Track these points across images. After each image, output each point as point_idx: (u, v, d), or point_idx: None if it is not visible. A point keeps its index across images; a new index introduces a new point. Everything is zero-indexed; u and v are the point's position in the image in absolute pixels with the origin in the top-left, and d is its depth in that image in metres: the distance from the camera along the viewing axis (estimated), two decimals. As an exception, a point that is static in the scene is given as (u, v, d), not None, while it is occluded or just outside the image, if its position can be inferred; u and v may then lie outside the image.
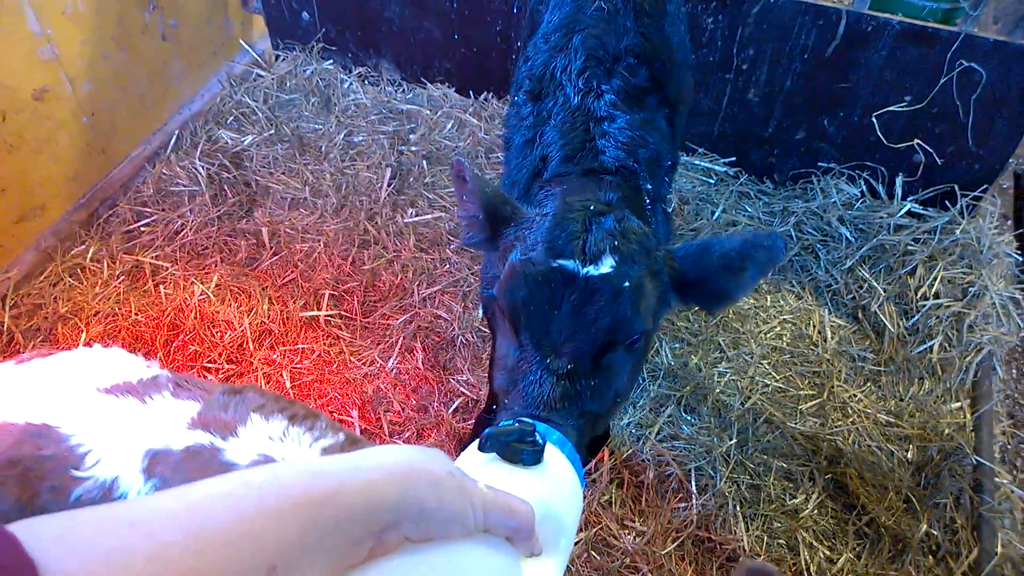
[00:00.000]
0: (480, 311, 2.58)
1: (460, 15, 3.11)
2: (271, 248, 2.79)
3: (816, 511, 2.09)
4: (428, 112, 3.27)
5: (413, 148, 3.13)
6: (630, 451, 2.19)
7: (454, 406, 2.32)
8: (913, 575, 1.97)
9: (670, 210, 1.80)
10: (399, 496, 0.57)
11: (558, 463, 0.84)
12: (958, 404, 2.34)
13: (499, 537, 0.65)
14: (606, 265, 1.13)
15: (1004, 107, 2.55)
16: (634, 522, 2.07)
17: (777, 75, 2.76)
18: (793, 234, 2.78)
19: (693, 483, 2.14)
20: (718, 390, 2.32)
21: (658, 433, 2.24)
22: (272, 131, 3.19)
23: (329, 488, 0.54)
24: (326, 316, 2.57)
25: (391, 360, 2.45)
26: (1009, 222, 2.88)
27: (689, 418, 2.28)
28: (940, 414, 2.31)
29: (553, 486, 0.80)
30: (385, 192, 2.95)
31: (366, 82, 3.46)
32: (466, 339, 2.50)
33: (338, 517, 0.53)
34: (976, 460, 2.19)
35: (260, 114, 3.25)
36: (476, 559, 0.62)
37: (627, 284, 1.13)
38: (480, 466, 0.78)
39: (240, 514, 0.50)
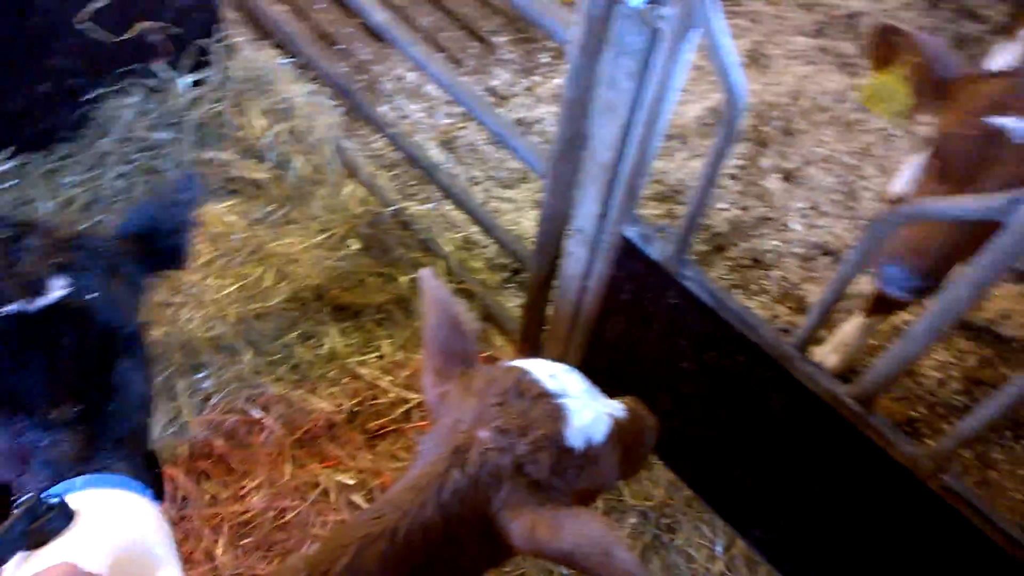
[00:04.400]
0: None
1: None
2: None
3: (340, 337, 2.69)
4: None
5: None
6: (186, 447, 2.32)
7: None
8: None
9: None
10: None
11: (100, 499, 0.87)
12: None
13: None
14: (58, 288, 1.08)
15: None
16: (253, 483, 2.30)
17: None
18: (128, 170, 2.91)
19: (256, 412, 2.44)
20: (201, 332, 2.53)
21: (196, 411, 2.40)
22: None
23: None
24: None
25: None
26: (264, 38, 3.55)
27: (205, 373, 2.48)
28: (345, 206, 3.02)
29: (107, 522, 0.84)
30: None
31: None
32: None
33: None
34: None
35: None
36: None
37: (92, 296, 1.10)
38: (18, 571, 0.80)
39: None
